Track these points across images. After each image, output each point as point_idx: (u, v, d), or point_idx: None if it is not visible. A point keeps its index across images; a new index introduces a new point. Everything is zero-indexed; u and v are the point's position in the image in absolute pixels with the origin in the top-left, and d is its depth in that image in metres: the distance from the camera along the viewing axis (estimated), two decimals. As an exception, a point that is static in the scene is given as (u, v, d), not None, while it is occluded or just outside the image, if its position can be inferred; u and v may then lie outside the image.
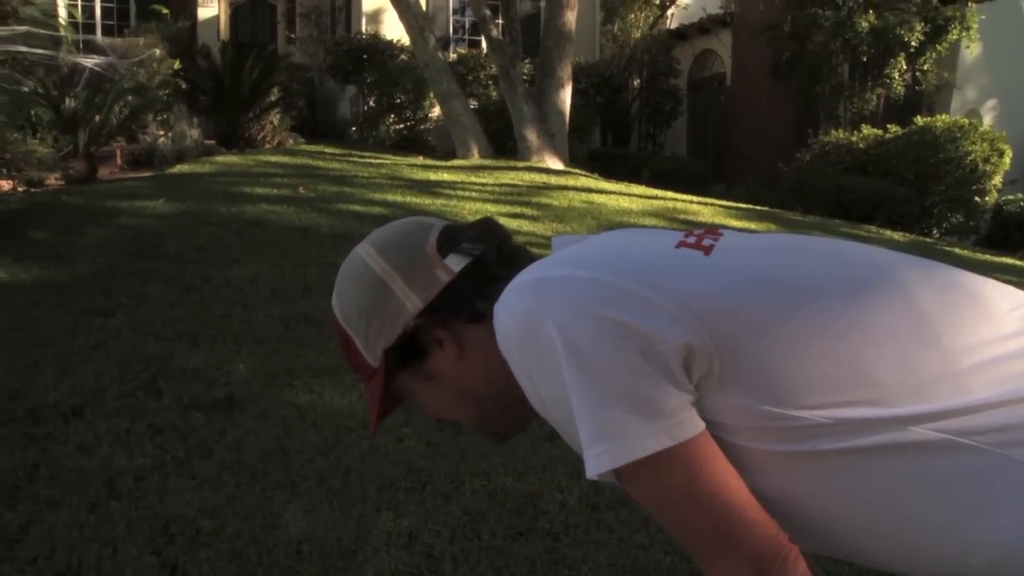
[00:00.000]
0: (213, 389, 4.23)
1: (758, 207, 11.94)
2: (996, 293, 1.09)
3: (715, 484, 1.00)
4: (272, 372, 4.46)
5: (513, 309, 1.07)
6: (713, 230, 1.18)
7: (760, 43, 16.62)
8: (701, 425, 1.00)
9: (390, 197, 9.30)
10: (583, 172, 12.91)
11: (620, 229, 1.24)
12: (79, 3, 18.88)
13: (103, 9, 19.07)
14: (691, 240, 1.14)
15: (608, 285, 1.03)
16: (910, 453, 0.99)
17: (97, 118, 10.25)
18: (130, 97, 11.54)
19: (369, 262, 1.24)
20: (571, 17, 13.47)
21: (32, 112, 9.78)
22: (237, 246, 6.84)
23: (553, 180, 11.40)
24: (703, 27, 19.80)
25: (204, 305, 5.46)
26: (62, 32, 16.22)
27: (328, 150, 13.46)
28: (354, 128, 16.68)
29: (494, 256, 1.23)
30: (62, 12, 18.20)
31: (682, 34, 20.30)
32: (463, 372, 1.21)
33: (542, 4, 19.74)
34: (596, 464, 0.99)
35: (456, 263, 1.21)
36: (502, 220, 8.35)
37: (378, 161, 12.56)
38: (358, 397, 4.18)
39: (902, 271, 1.10)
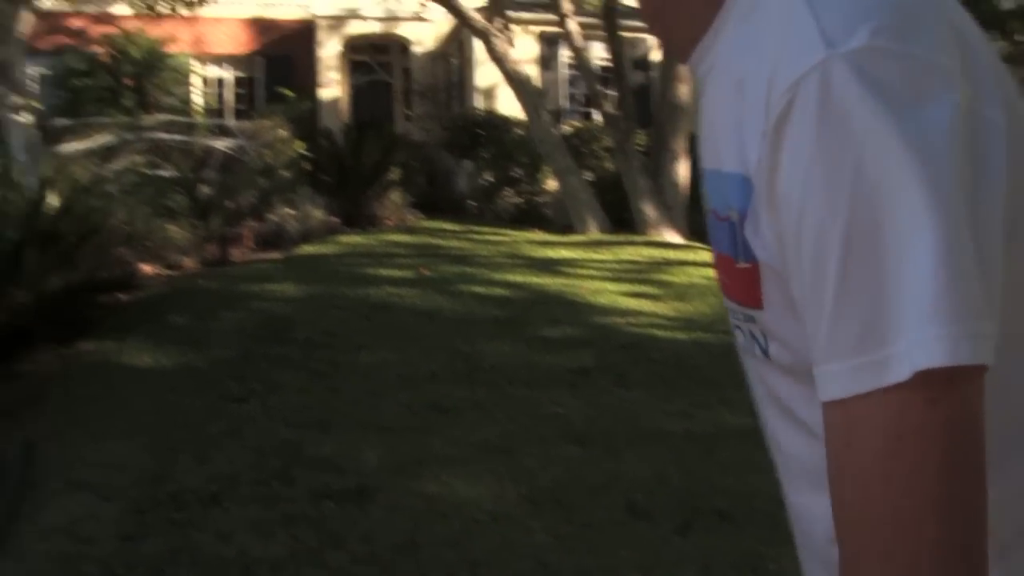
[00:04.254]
0: (344, 478, 4.31)
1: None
2: None
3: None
4: (401, 461, 4.52)
5: None
6: None
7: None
8: None
9: (510, 277, 9.39)
10: (703, 245, 12.79)
11: None
12: (213, 90, 19.88)
13: (234, 94, 20.01)
14: None
15: None
16: None
17: (229, 204, 10.72)
18: (259, 179, 12.03)
19: None
20: (684, 90, 13.51)
21: (171, 200, 10.28)
22: (364, 330, 6.99)
23: (672, 255, 11.34)
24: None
25: (333, 391, 5.59)
26: (197, 119, 17.13)
27: (448, 227, 13.70)
28: (472, 202, 16.96)
29: None
30: (197, 100, 19.25)
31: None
32: None
33: (653, 75, 19.86)
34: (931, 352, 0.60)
35: None
36: (623, 300, 8.39)
37: (497, 237, 12.72)
38: (486, 488, 4.20)
39: None
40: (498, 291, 8.74)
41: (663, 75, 13.84)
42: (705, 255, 11.63)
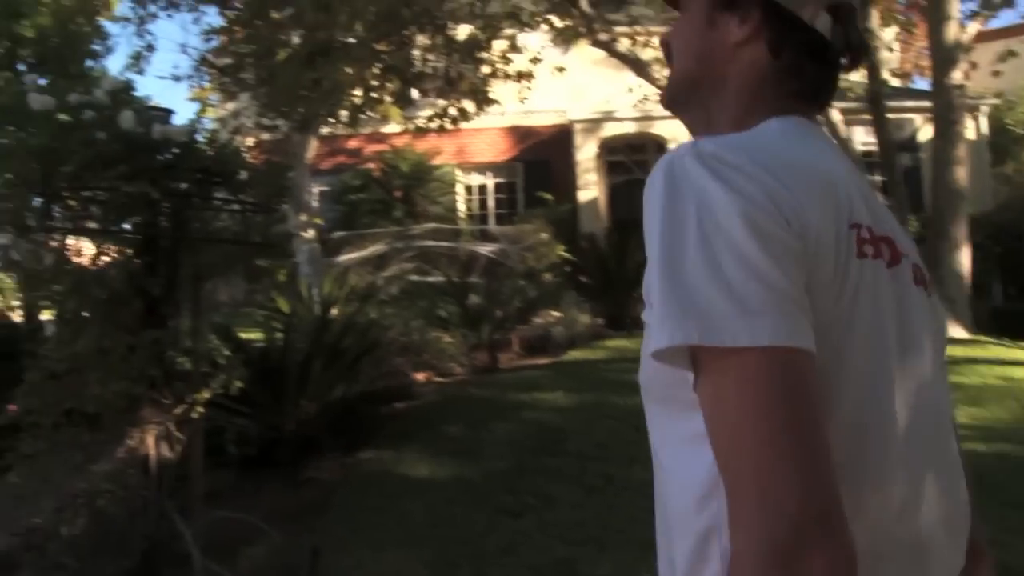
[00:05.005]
0: (622, 601, 4.19)
1: None
2: None
3: None
4: (681, 586, 4.34)
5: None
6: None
7: None
8: None
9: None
10: (990, 339, 11.80)
11: None
12: (476, 197, 20.79)
13: (496, 200, 20.81)
14: None
15: None
16: None
17: (499, 313, 11.02)
18: (522, 282, 12.33)
19: None
20: (962, 173, 12.70)
21: (442, 308, 10.71)
22: (636, 442, 6.85)
23: (959, 352, 10.49)
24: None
25: (607, 507, 5.50)
26: (461, 225, 17.92)
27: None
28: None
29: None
30: (461, 207, 20.20)
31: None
32: (726, 53, 1.18)
33: (921, 156, 18.86)
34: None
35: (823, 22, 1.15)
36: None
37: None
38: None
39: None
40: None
41: (936, 157, 13.07)
42: (997, 351, 10.72)
